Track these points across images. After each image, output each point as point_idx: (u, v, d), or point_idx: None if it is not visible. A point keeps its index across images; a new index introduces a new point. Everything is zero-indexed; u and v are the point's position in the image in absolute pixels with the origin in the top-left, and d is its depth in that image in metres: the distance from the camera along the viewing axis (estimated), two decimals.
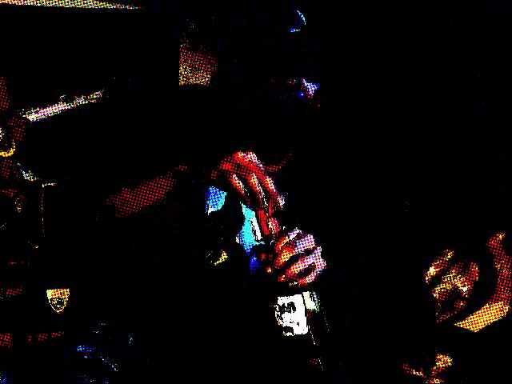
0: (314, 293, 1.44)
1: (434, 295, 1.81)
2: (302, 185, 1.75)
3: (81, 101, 2.08)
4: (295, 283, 1.37)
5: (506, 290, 1.76)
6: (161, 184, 1.71)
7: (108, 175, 2.02)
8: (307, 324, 1.41)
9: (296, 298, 1.41)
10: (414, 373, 1.80)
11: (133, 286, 1.89)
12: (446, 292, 1.81)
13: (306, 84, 1.69)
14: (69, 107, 2.06)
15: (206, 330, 1.66)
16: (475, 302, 1.78)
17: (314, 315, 1.44)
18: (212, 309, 1.63)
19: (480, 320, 1.77)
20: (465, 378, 1.78)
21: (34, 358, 1.80)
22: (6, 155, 1.87)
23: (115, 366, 1.76)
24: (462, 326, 1.79)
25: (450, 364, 1.79)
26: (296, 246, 1.37)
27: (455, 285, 1.80)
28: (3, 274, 1.83)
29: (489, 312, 1.77)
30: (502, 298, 1.76)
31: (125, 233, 1.87)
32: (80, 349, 1.78)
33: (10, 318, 1.83)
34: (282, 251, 1.35)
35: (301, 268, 1.36)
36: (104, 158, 2.06)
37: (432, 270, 1.83)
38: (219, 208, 1.59)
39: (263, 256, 1.40)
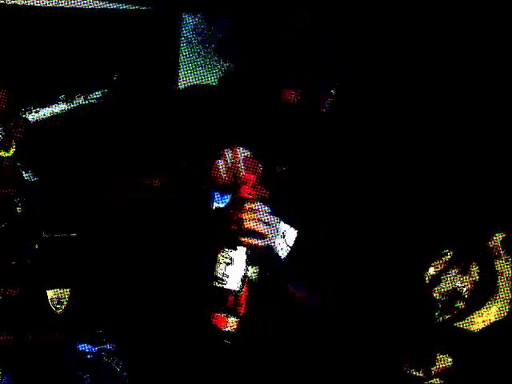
0: (257, 266, 1.61)
1: (434, 295, 1.81)
2: (305, 184, 1.75)
3: (81, 101, 2.08)
4: (244, 238, 1.56)
5: (506, 289, 1.76)
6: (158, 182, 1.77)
7: (107, 173, 2.02)
8: (241, 283, 1.56)
9: (239, 255, 1.56)
10: (414, 373, 1.80)
11: (134, 281, 1.89)
12: (446, 292, 1.81)
13: (305, 91, 1.70)
14: (69, 107, 2.06)
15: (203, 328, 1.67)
16: (475, 302, 1.78)
17: (251, 284, 1.59)
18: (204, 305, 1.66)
19: (480, 320, 1.77)
20: (465, 377, 1.78)
21: (34, 357, 1.80)
22: (6, 155, 1.87)
23: (118, 367, 1.77)
24: (461, 325, 1.79)
25: (450, 364, 1.79)
26: (259, 213, 1.58)
27: (455, 285, 1.80)
28: (3, 274, 1.83)
29: (489, 312, 1.77)
30: (501, 297, 1.76)
31: (129, 226, 1.88)
32: (83, 348, 1.79)
33: (9, 318, 1.83)
34: (247, 211, 1.57)
35: (252, 227, 1.55)
36: (104, 158, 2.06)
37: (432, 270, 1.83)
38: (225, 204, 1.65)
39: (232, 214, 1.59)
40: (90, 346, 1.80)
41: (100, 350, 1.79)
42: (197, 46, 2.26)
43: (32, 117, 1.99)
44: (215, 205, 1.66)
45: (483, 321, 1.77)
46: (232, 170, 1.61)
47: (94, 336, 1.82)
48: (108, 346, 1.81)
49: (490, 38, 1.94)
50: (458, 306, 1.79)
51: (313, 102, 1.68)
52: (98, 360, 1.77)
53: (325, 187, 1.75)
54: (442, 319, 1.80)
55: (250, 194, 1.59)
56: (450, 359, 1.78)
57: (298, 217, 1.67)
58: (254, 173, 1.61)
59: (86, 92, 2.09)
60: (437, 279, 1.81)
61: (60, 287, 1.86)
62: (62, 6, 2.14)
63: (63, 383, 1.76)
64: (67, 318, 1.85)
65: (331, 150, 1.79)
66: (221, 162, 1.62)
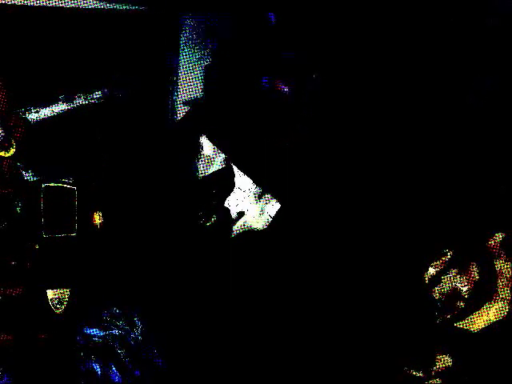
0: None
1: (434, 295, 1.81)
2: (305, 180, 1.76)
3: (81, 101, 2.08)
4: None
5: (506, 289, 1.76)
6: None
7: (107, 173, 2.02)
8: None
9: None
10: (414, 373, 1.80)
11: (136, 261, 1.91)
12: (446, 292, 1.81)
13: (281, 85, 1.71)
14: (69, 107, 2.06)
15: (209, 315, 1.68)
16: (475, 302, 1.78)
17: None
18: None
19: (480, 320, 1.78)
20: (465, 378, 1.78)
21: (33, 357, 1.80)
22: (6, 155, 1.87)
23: (122, 353, 1.78)
24: (461, 326, 1.79)
25: (449, 364, 1.79)
26: None
27: (455, 285, 1.80)
28: (3, 274, 1.83)
29: (489, 312, 1.77)
30: (501, 298, 1.76)
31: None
32: (92, 332, 1.80)
33: (10, 318, 1.83)
34: None
35: None
36: (104, 157, 2.07)
37: (432, 270, 1.83)
38: (211, 172, 1.67)
39: None
40: (97, 331, 1.82)
41: (106, 335, 1.81)
42: (196, 45, 2.27)
43: (32, 117, 1.99)
44: (202, 173, 1.68)
45: (483, 321, 1.77)
46: None
47: (103, 320, 1.84)
48: (114, 331, 1.83)
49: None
50: (457, 306, 1.79)
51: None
52: (103, 344, 1.80)
53: (324, 186, 1.76)
54: (442, 319, 1.80)
55: None
56: (449, 359, 1.78)
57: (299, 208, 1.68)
58: None
59: (85, 92, 2.09)
60: (437, 279, 1.81)
61: (60, 287, 1.86)
62: (62, 6, 2.15)
63: (71, 362, 1.77)
64: (75, 304, 1.87)
65: (331, 149, 1.80)
66: None
